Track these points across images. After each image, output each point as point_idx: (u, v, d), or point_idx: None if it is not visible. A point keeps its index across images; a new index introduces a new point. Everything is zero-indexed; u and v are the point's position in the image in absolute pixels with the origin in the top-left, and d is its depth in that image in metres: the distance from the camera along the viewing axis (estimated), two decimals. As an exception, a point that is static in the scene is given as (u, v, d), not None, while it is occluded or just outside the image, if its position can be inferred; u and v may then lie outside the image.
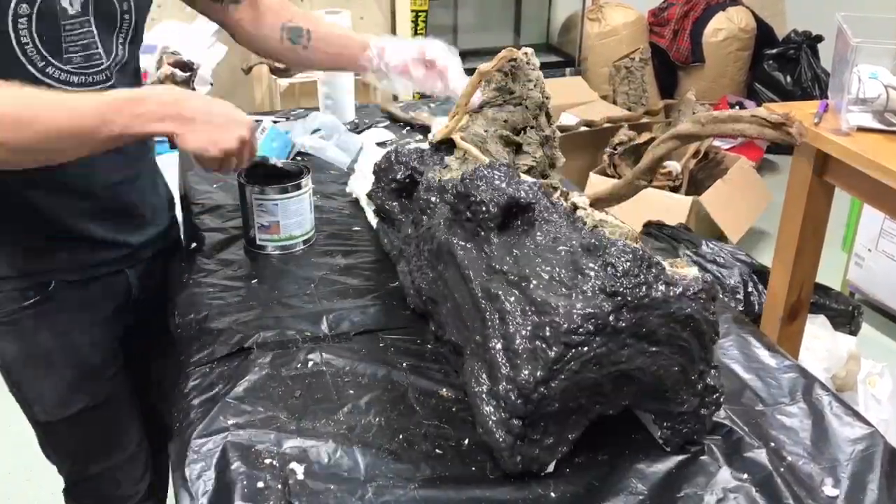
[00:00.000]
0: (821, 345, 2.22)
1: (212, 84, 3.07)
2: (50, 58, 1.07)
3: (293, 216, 1.32)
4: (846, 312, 2.45)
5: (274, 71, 3.24)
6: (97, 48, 1.12)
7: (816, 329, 2.25)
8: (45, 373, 1.26)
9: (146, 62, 2.92)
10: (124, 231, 1.27)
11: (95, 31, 1.12)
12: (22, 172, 1.04)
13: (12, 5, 1.01)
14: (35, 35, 1.05)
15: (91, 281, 1.25)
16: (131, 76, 1.22)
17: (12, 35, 1.03)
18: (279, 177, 1.35)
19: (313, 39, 1.35)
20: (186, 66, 2.88)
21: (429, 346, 1.11)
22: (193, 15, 3.06)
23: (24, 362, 1.25)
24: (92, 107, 0.98)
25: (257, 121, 1.87)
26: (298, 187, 1.31)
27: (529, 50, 1.32)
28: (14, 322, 1.21)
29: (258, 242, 1.33)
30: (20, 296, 1.20)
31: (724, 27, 4.36)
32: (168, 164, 2.57)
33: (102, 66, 1.14)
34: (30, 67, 1.06)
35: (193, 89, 2.91)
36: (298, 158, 1.73)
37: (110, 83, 1.16)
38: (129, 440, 1.38)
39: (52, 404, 1.28)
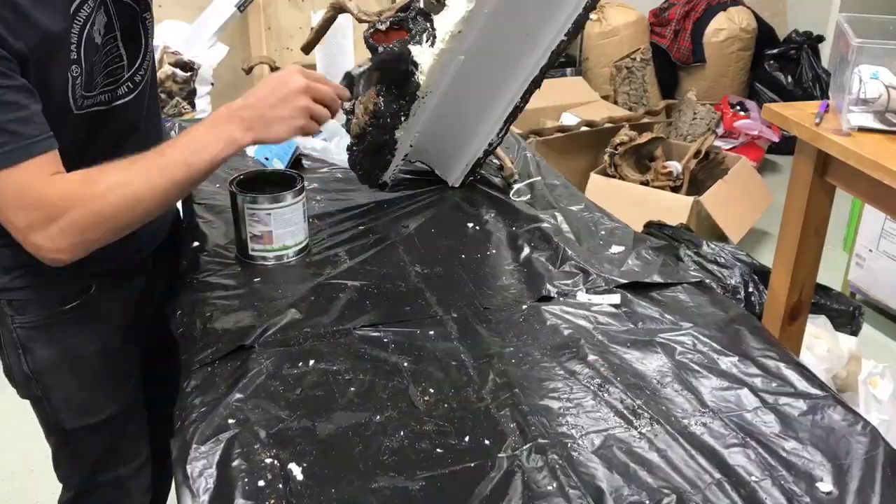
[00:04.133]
0: (822, 345, 2.22)
1: (213, 84, 3.08)
2: (85, 93, 1.08)
3: (286, 225, 1.29)
4: (847, 313, 2.45)
5: (275, 71, 3.25)
6: (121, 60, 1.14)
7: (817, 329, 2.25)
8: (81, 378, 1.23)
9: (147, 62, 2.92)
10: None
11: (121, 43, 1.13)
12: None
13: (70, 78, 1.03)
14: (82, 82, 1.06)
15: (125, 280, 1.25)
16: (151, 71, 1.23)
17: (70, 97, 1.04)
18: (273, 185, 1.33)
19: None
20: (187, 66, 2.88)
21: (429, 344, 1.11)
22: (194, 15, 3.08)
23: (58, 367, 1.22)
24: (176, 160, 1.04)
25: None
26: (292, 196, 1.29)
27: None
28: (49, 326, 1.19)
29: (250, 253, 1.31)
30: (59, 299, 1.18)
31: (725, 27, 4.35)
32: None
33: (124, 78, 1.15)
34: (74, 108, 1.07)
35: (194, 89, 2.91)
36: (303, 158, 1.73)
37: (135, 93, 1.17)
38: (142, 448, 1.36)
39: (83, 410, 1.26)
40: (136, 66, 1.17)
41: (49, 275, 1.10)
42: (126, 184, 1.02)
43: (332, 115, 1.14)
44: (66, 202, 0.99)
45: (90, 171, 1.02)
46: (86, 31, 1.04)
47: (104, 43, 1.10)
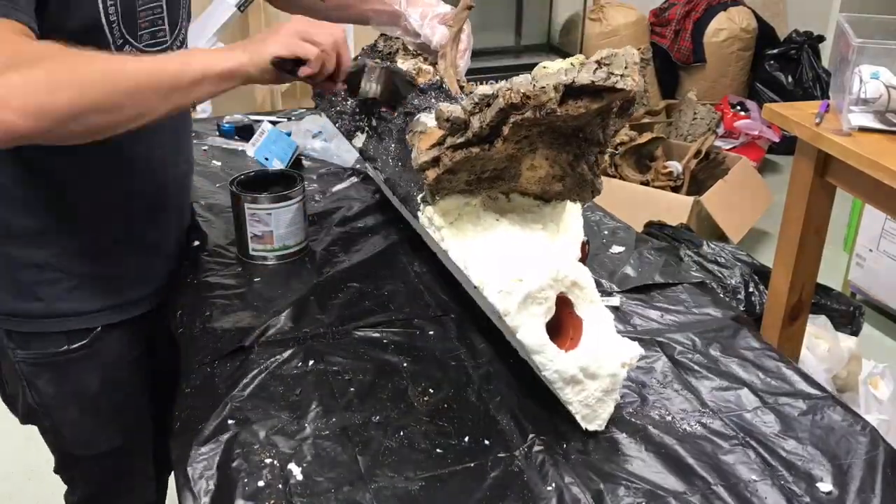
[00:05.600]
0: (822, 345, 2.22)
1: (213, 84, 3.08)
2: (127, 36, 1.05)
3: (287, 226, 1.30)
4: (847, 313, 2.45)
5: (275, 71, 3.24)
6: (163, 24, 1.11)
7: (818, 329, 2.25)
8: (89, 414, 1.24)
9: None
10: (166, 250, 1.28)
11: (164, 4, 1.10)
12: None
13: None
14: (119, 11, 1.03)
15: (132, 317, 1.23)
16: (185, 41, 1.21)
17: (101, 11, 1.00)
18: (273, 185, 1.33)
19: None
20: (188, 66, 2.88)
21: (428, 344, 1.11)
22: (194, 14, 3.07)
23: (65, 404, 1.22)
24: (172, 56, 1.02)
25: (257, 121, 1.88)
26: (292, 196, 1.29)
27: None
28: (55, 365, 1.18)
29: (251, 252, 1.31)
30: (65, 339, 1.17)
31: (726, 27, 4.35)
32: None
33: (166, 44, 1.13)
34: (112, 46, 1.03)
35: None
36: (303, 158, 1.74)
37: None
38: (147, 466, 1.37)
39: (89, 441, 1.27)
40: (177, 30, 1.15)
41: (54, 311, 1.13)
42: (113, 64, 0.93)
43: (315, 60, 1.03)
44: (39, 55, 0.86)
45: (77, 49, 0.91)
46: None
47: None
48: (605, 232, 1.47)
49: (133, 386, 1.28)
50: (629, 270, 1.33)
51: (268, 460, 0.90)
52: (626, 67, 0.89)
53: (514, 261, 0.99)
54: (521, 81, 0.91)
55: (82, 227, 1.15)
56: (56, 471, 1.36)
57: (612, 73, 0.88)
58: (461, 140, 0.96)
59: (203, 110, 2.96)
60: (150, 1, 1.08)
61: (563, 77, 0.89)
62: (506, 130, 0.93)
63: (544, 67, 0.94)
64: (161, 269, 1.27)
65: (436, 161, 1.00)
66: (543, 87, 0.89)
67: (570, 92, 0.90)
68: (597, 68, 0.89)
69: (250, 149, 1.74)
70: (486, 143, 0.96)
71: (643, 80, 4.45)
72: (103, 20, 1.02)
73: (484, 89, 0.94)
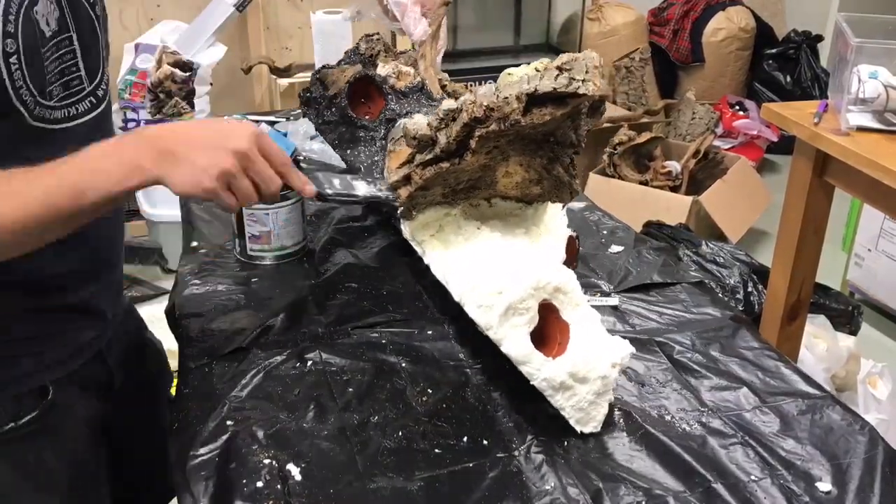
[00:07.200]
0: (821, 345, 2.22)
1: (211, 84, 3.08)
2: (38, 97, 0.89)
3: (286, 226, 1.29)
4: (846, 312, 2.45)
5: (274, 71, 3.25)
6: (78, 70, 0.95)
7: (816, 329, 2.25)
8: (50, 497, 1.05)
9: (145, 62, 2.92)
10: (104, 295, 1.09)
11: (77, 48, 0.94)
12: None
13: (3, 52, 0.83)
14: (25, 74, 0.86)
15: (79, 373, 1.06)
16: (107, 101, 1.04)
17: (6, 79, 0.84)
18: None
19: None
20: (186, 66, 2.88)
21: (427, 344, 1.11)
22: (192, 15, 3.07)
23: (20, 487, 1.02)
24: (64, 184, 0.83)
25: (255, 121, 1.88)
26: (290, 195, 1.28)
27: None
28: (6, 442, 0.99)
29: (249, 253, 1.30)
30: (12, 412, 0.98)
31: (724, 27, 4.35)
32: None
33: (85, 92, 0.97)
34: (25, 114, 0.88)
35: (193, 89, 2.91)
36: (300, 159, 1.73)
37: (98, 111, 0.99)
38: None
39: None
40: (98, 78, 0.99)
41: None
42: (15, 199, 0.81)
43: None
44: None
45: None
46: (23, 7, 0.84)
47: (58, 42, 0.90)
48: (604, 231, 1.47)
49: (93, 453, 1.12)
50: (628, 270, 1.33)
51: (266, 461, 0.90)
52: (586, 72, 0.87)
53: (493, 273, 0.97)
54: (485, 93, 0.90)
55: None
56: None
57: (574, 79, 0.87)
58: (430, 157, 0.95)
59: (201, 110, 2.97)
60: (54, 50, 0.90)
61: (524, 86, 0.88)
62: (473, 144, 0.92)
63: (509, 74, 0.93)
64: (91, 330, 1.08)
65: (407, 179, 0.99)
66: (506, 98, 0.88)
67: (534, 100, 0.88)
68: (558, 74, 0.88)
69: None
70: (455, 158, 0.95)
71: (640, 81, 4.48)
72: (13, 97, 0.85)
73: (448, 104, 0.94)
